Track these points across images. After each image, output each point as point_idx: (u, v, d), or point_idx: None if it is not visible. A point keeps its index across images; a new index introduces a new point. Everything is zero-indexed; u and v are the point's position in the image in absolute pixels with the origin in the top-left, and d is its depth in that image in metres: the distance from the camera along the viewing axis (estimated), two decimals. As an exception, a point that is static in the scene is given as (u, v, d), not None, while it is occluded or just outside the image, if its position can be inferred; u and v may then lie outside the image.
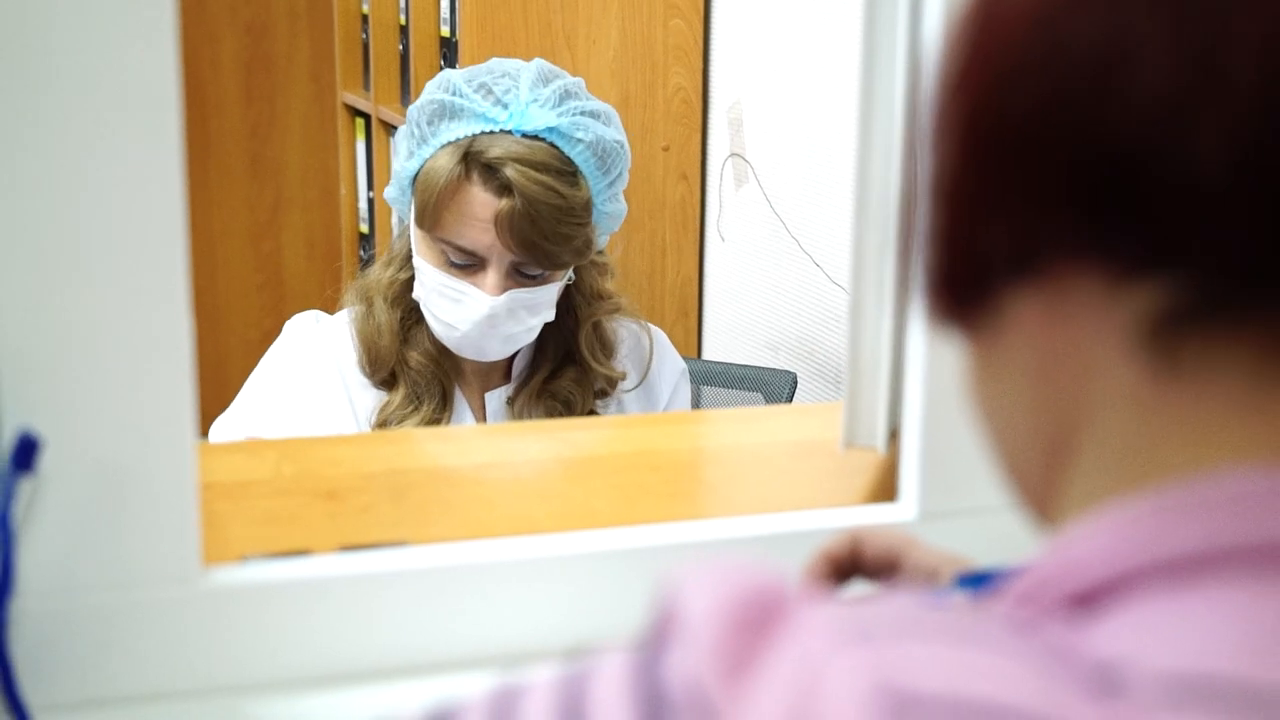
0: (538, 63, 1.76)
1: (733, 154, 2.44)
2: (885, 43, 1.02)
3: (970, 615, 0.47)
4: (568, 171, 1.70)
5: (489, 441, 1.46)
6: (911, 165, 0.52)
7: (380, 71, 2.96)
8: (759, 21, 2.38)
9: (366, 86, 3.15)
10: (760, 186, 2.37)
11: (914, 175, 0.54)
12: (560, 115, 1.71)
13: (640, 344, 1.87)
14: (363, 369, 1.77)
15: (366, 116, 3.19)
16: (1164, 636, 0.44)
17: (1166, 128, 0.46)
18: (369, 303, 1.79)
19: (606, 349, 1.81)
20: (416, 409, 1.73)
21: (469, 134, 1.69)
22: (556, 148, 1.70)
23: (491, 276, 1.71)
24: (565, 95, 1.73)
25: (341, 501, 1.15)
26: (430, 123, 1.72)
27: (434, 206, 1.70)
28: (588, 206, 1.72)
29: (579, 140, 1.70)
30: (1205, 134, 0.46)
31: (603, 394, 1.79)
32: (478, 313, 1.70)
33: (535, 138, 1.69)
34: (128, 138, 0.83)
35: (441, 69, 2.65)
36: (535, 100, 1.71)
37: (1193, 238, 0.47)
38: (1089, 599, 0.47)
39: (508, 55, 2.50)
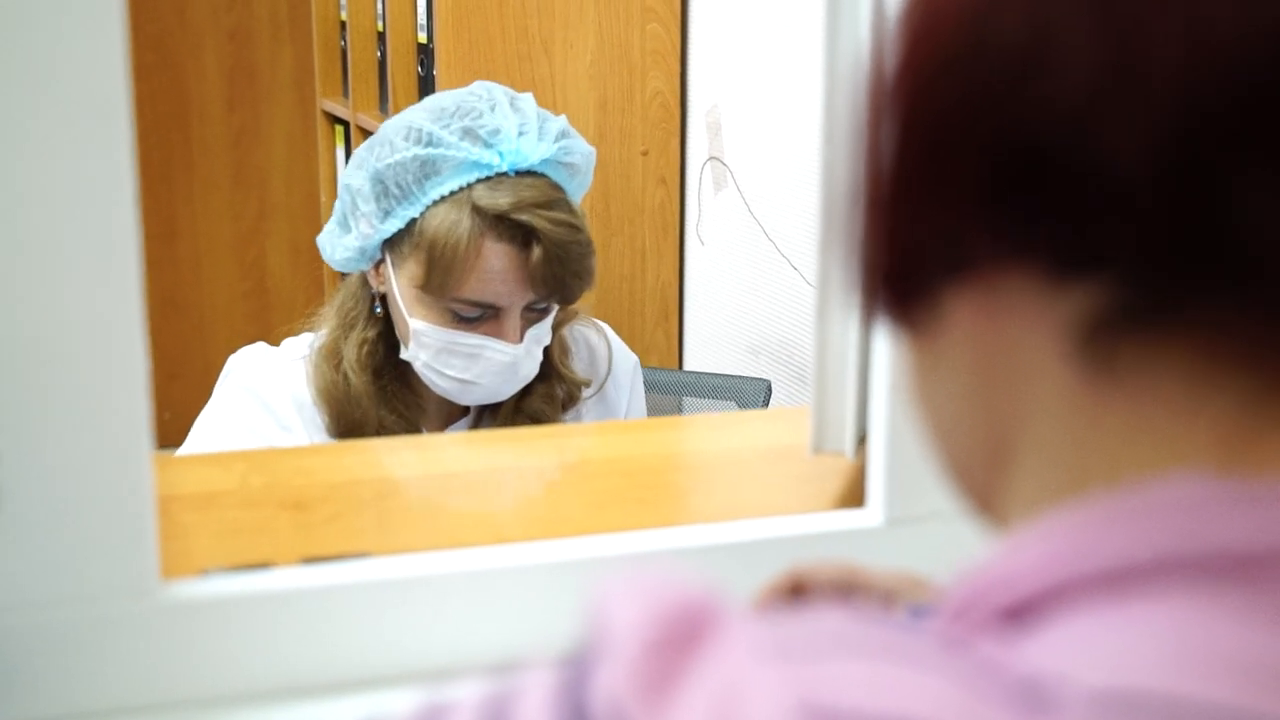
0: (496, 88, 1.73)
1: (711, 158, 2.43)
2: (847, 41, 1.01)
3: (898, 632, 0.46)
4: (569, 201, 1.68)
5: (459, 451, 1.46)
6: (850, 160, 0.51)
7: (358, 79, 2.95)
8: (736, 25, 2.37)
9: (345, 94, 3.14)
10: (739, 190, 2.36)
11: (852, 171, 0.53)
12: (546, 143, 1.67)
13: (595, 346, 1.86)
14: (328, 426, 1.71)
15: (345, 124, 3.18)
16: (1096, 650, 0.43)
17: (1084, 124, 0.46)
18: (337, 369, 1.73)
19: (566, 355, 1.80)
20: None
21: (462, 184, 1.65)
22: (549, 178, 1.67)
23: (511, 324, 1.67)
24: (540, 118, 1.69)
25: (309, 512, 1.14)
26: (416, 182, 1.66)
27: (456, 271, 1.65)
28: (588, 243, 1.71)
29: (565, 165, 1.68)
30: (1123, 131, 0.45)
31: (568, 403, 1.77)
32: (500, 363, 1.67)
33: (530, 173, 1.65)
34: (78, 147, 0.83)
35: (419, 76, 2.65)
36: (523, 134, 1.67)
37: (1117, 238, 0.46)
38: (1023, 612, 0.46)
39: (485, 61, 2.49)
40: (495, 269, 1.64)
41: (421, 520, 1.13)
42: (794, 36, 2.18)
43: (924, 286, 0.51)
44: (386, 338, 1.73)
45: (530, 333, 1.69)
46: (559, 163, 1.67)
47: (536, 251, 1.63)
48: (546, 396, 1.77)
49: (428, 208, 1.65)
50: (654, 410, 1.97)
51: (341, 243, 1.72)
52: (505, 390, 1.71)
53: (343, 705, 0.93)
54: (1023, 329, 0.49)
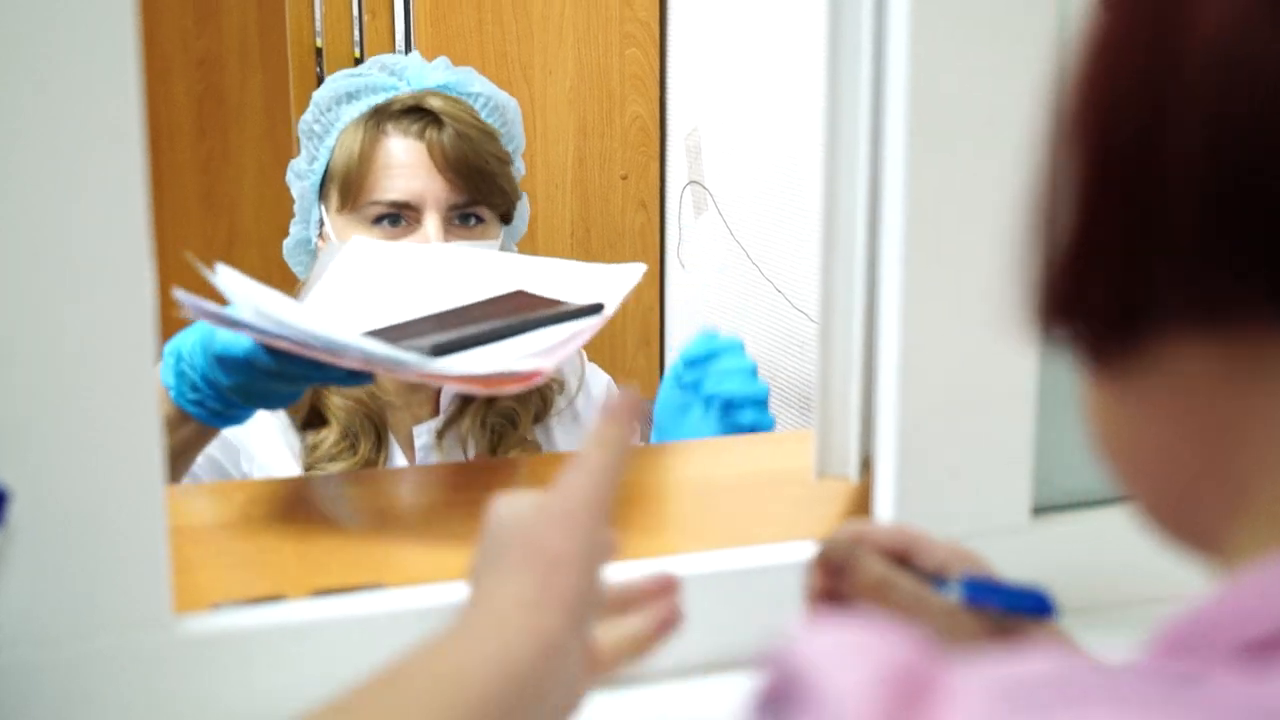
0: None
1: (691, 181, 2.44)
2: (849, 70, 1.01)
3: (1127, 674, 0.45)
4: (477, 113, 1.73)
5: (457, 479, 1.45)
6: (1054, 191, 0.52)
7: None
8: (715, 50, 2.39)
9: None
10: (719, 213, 2.37)
11: (1055, 203, 0.51)
12: (451, 73, 1.75)
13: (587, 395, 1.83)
14: (293, 421, 1.68)
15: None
16: None
17: None
18: None
19: None
20: (352, 449, 1.65)
21: (370, 105, 1.70)
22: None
23: (431, 223, 1.67)
24: (452, 65, 1.77)
25: (312, 543, 1.14)
26: (329, 110, 1.73)
27: (355, 174, 1.67)
28: (503, 144, 1.73)
29: (473, 93, 1.73)
30: None
31: (542, 409, 1.75)
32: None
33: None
34: (94, 183, 0.82)
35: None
36: (430, 66, 1.75)
37: None
38: (1265, 647, 0.45)
39: (464, 87, 2.48)
40: (401, 161, 1.67)
41: (426, 550, 1.13)
42: (772, 60, 2.19)
43: (1146, 332, 0.49)
44: None
45: (462, 245, 1.66)
46: (468, 91, 1.73)
47: (440, 135, 1.67)
48: (519, 395, 1.74)
49: (339, 134, 1.71)
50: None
51: (292, 232, 1.78)
52: None
53: None
54: (1274, 385, 0.47)
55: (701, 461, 1.38)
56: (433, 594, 0.96)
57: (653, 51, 2.52)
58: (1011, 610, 0.85)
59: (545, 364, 1.11)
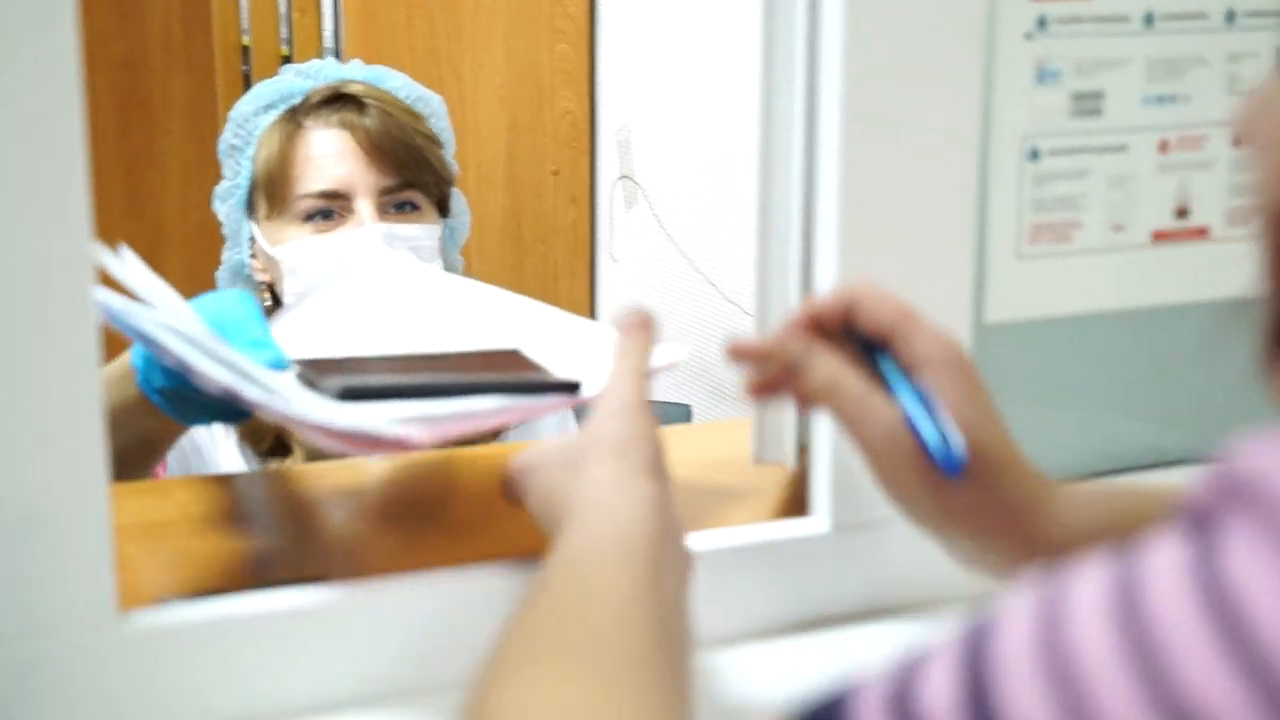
0: None
1: (622, 176, 2.45)
2: (783, 65, 1.03)
3: None
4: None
5: (397, 472, 1.45)
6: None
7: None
8: (645, 45, 2.40)
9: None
10: (650, 207, 2.38)
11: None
12: (369, 70, 1.72)
13: None
14: (241, 445, 1.63)
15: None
16: None
17: None
18: None
19: None
20: None
21: (286, 108, 1.67)
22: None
23: (364, 209, 1.61)
24: (366, 65, 1.75)
25: (254, 539, 1.14)
26: (246, 123, 1.68)
27: (279, 175, 1.62)
28: (430, 130, 1.70)
29: (392, 86, 1.71)
30: None
31: (497, 432, 1.67)
32: (361, 249, 1.59)
33: None
34: (36, 182, 0.82)
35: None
36: (345, 66, 1.73)
37: None
38: None
39: (394, 84, 2.47)
40: (326, 151, 1.63)
41: (369, 544, 1.13)
42: (702, 55, 2.21)
43: None
44: None
45: (397, 229, 1.62)
46: (386, 84, 1.70)
47: (362, 118, 1.63)
48: None
49: (259, 143, 1.66)
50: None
51: (225, 259, 1.72)
52: None
53: None
54: None
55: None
56: (376, 586, 0.96)
57: (583, 47, 2.54)
58: (925, 450, 0.83)
59: (419, 433, 0.91)
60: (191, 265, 3.89)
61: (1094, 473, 1.10)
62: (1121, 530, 0.81)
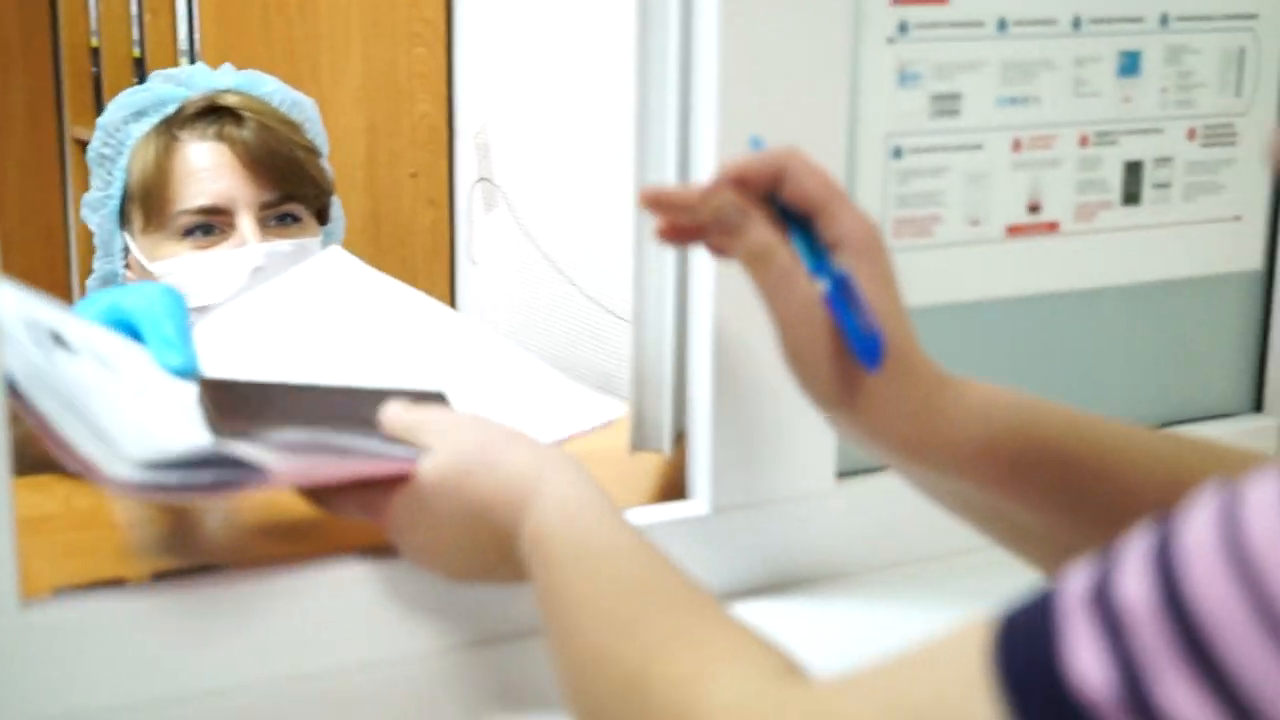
0: None
1: (481, 179, 2.47)
2: (658, 69, 1.06)
3: None
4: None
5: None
6: None
7: (114, 104, 2.91)
8: (502, 48, 2.42)
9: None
10: (510, 209, 2.40)
11: None
12: (240, 76, 1.70)
13: None
14: None
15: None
16: None
17: None
18: None
19: None
20: None
21: (160, 118, 1.64)
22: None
23: (245, 224, 1.59)
24: (237, 69, 1.72)
25: (140, 530, 1.14)
26: (117, 131, 1.65)
27: (156, 189, 1.59)
28: (308, 140, 1.69)
29: (266, 92, 1.69)
30: None
31: None
32: (245, 268, 1.57)
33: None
34: None
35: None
36: (216, 72, 1.70)
37: None
38: None
39: (252, 86, 2.46)
40: (204, 165, 1.60)
41: (268, 532, 1.14)
42: (559, 57, 2.23)
43: None
44: None
45: (280, 247, 1.60)
46: (258, 91, 1.69)
47: (240, 131, 1.60)
48: None
49: (132, 154, 1.63)
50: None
51: (96, 269, 1.69)
52: None
53: (212, 712, 0.94)
54: None
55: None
56: (270, 573, 0.97)
57: (439, 50, 2.53)
58: (845, 338, 0.82)
59: (280, 467, 0.84)
60: (33, 270, 3.83)
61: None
62: (1018, 442, 0.84)
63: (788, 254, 0.83)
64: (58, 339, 0.96)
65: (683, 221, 0.86)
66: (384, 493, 0.89)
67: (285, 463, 0.86)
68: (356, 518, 0.92)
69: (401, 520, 0.89)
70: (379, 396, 0.97)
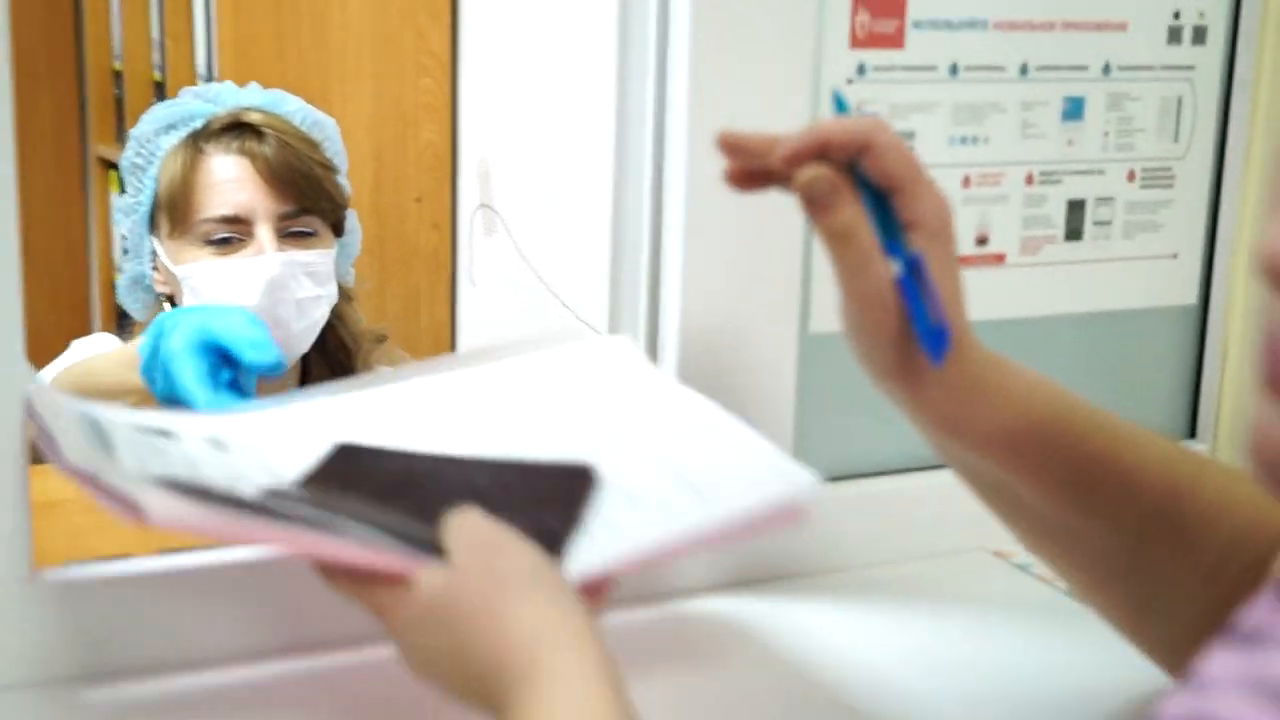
0: None
1: (482, 205, 2.52)
2: (635, 105, 1.12)
3: None
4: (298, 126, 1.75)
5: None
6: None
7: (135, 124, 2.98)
8: (504, 81, 2.47)
9: (120, 140, 3.16)
10: (508, 234, 2.46)
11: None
12: (266, 95, 1.77)
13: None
14: None
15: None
16: None
17: None
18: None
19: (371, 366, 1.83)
20: None
21: (188, 132, 1.71)
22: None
23: (263, 234, 1.67)
24: (263, 88, 1.79)
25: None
26: (148, 142, 1.73)
27: (182, 197, 1.67)
28: (326, 157, 1.75)
29: (289, 111, 1.76)
30: None
31: None
32: (261, 274, 1.65)
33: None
34: None
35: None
36: (243, 90, 1.77)
37: None
38: None
39: (266, 111, 2.49)
40: (226, 177, 1.68)
41: None
42: (558, 92, 2.29)
43: None
44: None
45: (296, 257, 1.67)
46: (282, 109, 1.76)
47: (262, 147, 1.68)
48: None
49: (162, 164, 1.71)
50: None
51: (126, 270, 1.77)
52: (287, 314, 1.66)
53: (213, 677, 1.02)
54: None
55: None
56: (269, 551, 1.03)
57: (445, 81, 2.60)
58: (913, 327, 0.80)
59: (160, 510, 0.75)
60: (56, 287, 3.89)
61: (902, 469, 1.22)
62: (1049, 434, 0.83)
63: (868, 233, 0.80)
64: (165, 433, 0.91)
65: (754, 167, 0.84)
66: (383, 587, 0.77)
67: (171, 508, 0.75)
68: (350, 598, 0.80)
69: (390, 621, 0.77)
70: (514, 471, 0.89)
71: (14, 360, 0.95)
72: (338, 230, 1.77)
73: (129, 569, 1.01)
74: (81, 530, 1.15)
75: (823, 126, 0.82)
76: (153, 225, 1.74)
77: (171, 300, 1.74)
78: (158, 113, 1.76)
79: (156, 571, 1.02)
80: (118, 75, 3.13)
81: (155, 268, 1.75)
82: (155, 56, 2.89)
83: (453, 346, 2.69)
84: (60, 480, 1.30)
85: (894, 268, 0.80)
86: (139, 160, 1.73)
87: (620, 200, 1.15)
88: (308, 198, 1.70)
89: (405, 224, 2.62)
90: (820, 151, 0.81)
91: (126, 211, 1.75)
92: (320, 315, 1.71)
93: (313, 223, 1.72)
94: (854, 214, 0.80)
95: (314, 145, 1.75)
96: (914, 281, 0.80)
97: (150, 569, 1.02)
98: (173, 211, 1.69)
